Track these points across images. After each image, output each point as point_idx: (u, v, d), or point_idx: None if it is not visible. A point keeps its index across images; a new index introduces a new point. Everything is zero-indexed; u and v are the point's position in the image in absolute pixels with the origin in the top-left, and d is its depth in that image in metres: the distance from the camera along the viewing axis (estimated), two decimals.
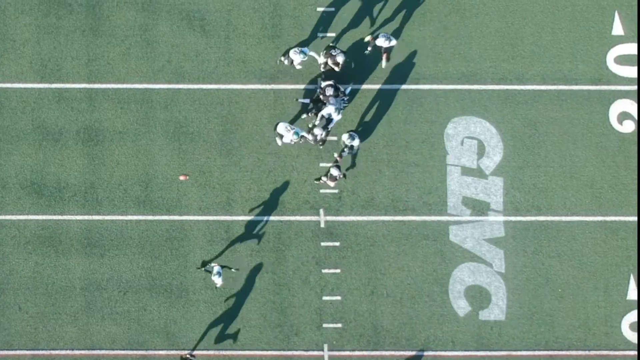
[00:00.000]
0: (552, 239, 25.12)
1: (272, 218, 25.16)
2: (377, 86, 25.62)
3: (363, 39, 25.63)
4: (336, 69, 24.78)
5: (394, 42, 24.86)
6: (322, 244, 25.06)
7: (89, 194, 25.11)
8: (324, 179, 24.87)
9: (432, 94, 25.62)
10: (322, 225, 25.15)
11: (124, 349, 24.74)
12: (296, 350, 24.74)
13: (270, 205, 25.16)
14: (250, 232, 25.05)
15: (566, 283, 25.02)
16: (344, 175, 24.67)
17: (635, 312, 24.87)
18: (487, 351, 24.79)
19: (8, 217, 25.03)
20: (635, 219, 25.15)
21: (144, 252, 24.96)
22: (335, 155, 25.06)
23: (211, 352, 24.74)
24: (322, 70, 25.31)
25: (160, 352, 24.68)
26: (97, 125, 25.34)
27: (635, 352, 24.79)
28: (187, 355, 24.12)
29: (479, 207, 25.19)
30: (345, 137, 24.41)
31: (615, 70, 25.65)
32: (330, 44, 25.02)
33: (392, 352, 24.77)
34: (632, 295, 24.97)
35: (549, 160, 25.39)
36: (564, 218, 25.20)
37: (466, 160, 25.37)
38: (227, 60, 25.66)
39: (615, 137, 25.48)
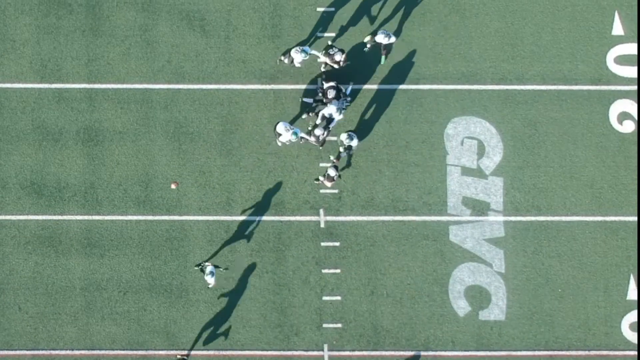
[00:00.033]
0: (552, 239, 25.13)
1: (272, 218, 25.16)
2: (377, 86, 25.63)
3: (363, 39, 25.64)
4: (336, 66, 24.81)
5: (393, 39, 24.87)
6: (322, 244, 25.06)
7: (89, 194, 25.12)
8: (321, 178, 24.88)
9: (432, 94, 25.62)
10: (322, 225, 25.15)
11: (124, 349, 24.74)
12: (296, 350, 24.74)
13: (270, 205, 25.16)
14: (250, 232, 25.06)
15: (566, 283, 25.03)
16: (339, 176, 24.67)
17: (635, 312, 24.88)
18: (487, 351, 24.79)
19: (8, 217, 25.03)
20: (635, 219, 25.15)
21: (144, 252, 24.96)
22: (332, 157, 25.04)
23: (211, 352, 24.74)
24: (323, 70, 25.32)
25: (160, 352, 24.68)
26: (97, 125, 25.35)
27: (635, 352, 24.80)
28: (179, 356, 24.16)
29: (479, 207, 25.19)
30: (344, 137, 24.40)
31: (615, 70, 25.66)
32: (329, 43, 25.04)
33: (392, 352, 24.78)
34: (632, 295, 24.97)
35: (549, 160, 25.40)
36: (564, 218, 25.21)
37: (466, 161, 25.37)
38: (227, 60, 25.67)
39: (615, 137, 25.48)
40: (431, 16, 25.92)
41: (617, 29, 25.80)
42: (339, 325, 24.85)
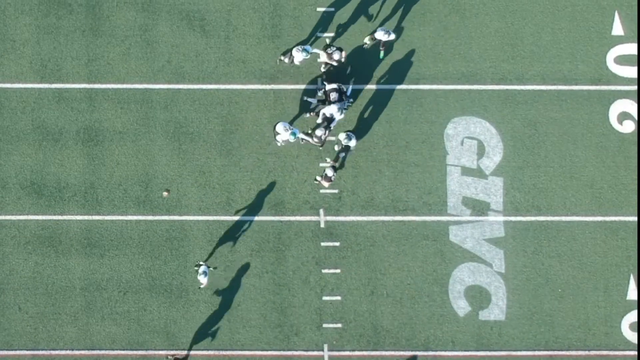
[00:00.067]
0: (552, 239, 25.13)
1: (272, 218, 25.16)
2: (377, 86, 25.63)
3: (363, 40, 25.66)
4: (334, 63, 24.84)
5: (392, 36, 24.89)
6: (322, 244, 25.06)
7: (89, 194, 25.12)
8: (318, 178, 24.89)
9: (432, 94, 25.62)
10: (322, 225, 25.15)
11: (124, 349, 24.73)
12: (296, 350, 24.74)
13: (270, 205, 25.16)
14: (251, 232, 25.05)
15: (566, 283, 25.03)
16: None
17: (635, 312, 24.88)
18: (487, 351, 24.79)
19: (8, 217, 25.03)
20: (635, 219, 25.15)
21: (144, 252, 24.96)
22: (327, 159, 25.04)
23: (211, 352, 24.74)
24: (323, 70, 25.32)
25: (160, 352, 24.68)
26: (97, 125, 25.35)
27: (635, 352, 24.79)
28: (170, 357, 24.19)
29: (479, 207, 25.19)
30: (342, 136, 24.39)
31: (615, 71, 25.66)
32: (327, 42, 25.05)
33: (392, 352, 24.77)
34: (632, 295, 24.97)
35: (549, 160, 25.40)
36: (564, 218, 25.20)
37: (466, 161, 25.37)
38: (227, 60, 25.67)
39: (615, 137, 25.48)
40: (431, 16, 25.92)
41: (617, 29, 25.80)
42: (339, 325, 24.85)
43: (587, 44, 25.81)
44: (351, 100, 25.13)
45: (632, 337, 24.87)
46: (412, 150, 25.41)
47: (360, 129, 25.38)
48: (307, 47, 24.61)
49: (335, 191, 25.26)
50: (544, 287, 25.00)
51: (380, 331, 24.83)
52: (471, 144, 25.45)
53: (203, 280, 23.77)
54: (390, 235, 25.10)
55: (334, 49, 24.61)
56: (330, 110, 24.40)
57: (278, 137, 24.49)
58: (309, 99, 25.26)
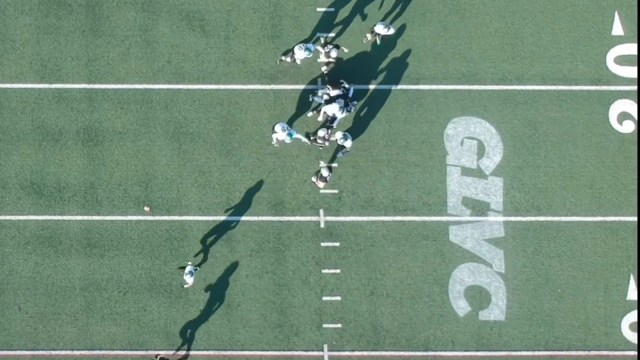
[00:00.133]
0: (552, 239, 25.12)
1: (272, 218, 25.16)
2: (377, 86, 25.63)
3: (363, 41, 25.68)
4: (332, 60, 24.94)
5: (392, 31, 24.91)
6: (322, 244, 25.06)
7: (89, 194, 25.12)
8: (314, 179, 24.90)
9: (432, 94, 25.62)
10: (322, 225, 25.15)
11: (124, 349, 24.74)
12: (296, 350, 24.74)
13: (270, 205, 25.16)
14: (250, 232, 25.05)
15: (566, 283, 25.02)
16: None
17: (635, 312, 24.87)
18: (487, 351, 24.79)
19: (8, 217, 25.03)
20: (635, 219, 25.15)
21: (144, 252, 24.96)
22: (321, 162, 25.04)
23: (211, 352, 24.74)
24: (325, 71, 25.29)
25: (160, 352, 24.67)
26: (97, 126, 25.35)
27: (635, 353, 24.79)
28: (160, 357, 24.23)
29: (479, 208, 25.19)
30: (339, 136, 24.41)
31: (615, 71, 25.65)
32: (322, 41, 25.05)
33: (392, 353, 24.78)
34: (632, 295, 24.97)
35: (548, 161, 25.39)
36: (563, 218, 25.20)
37: (466, 161, 25.37)
38: (227, 61, 25.66)
39: (615, 137, 25.47)
40: (431, 16, 25.92)
41: (617, 29, 25.79)
42: (339, 325, 24.85)
43: (587, 44, 25.81)
44: (355, 102, 25.09)
45: (632, 337, 24.87)
46: (412, 150, 25.41)
47: (360, 129, 25.38)
48: (309, 45, 24.63)
49: (335, 191, 25.26)
50: (544, 287, 25.00)
51: (380, 331, 24.83)
52: (471, 144, 25.45)
53: (189, 280, 23.79)
54: (390, 235, 25.10)
55: (331, 47, 24.67)
56: (332, 109, 24.42)
57: (274, 136, 24.52)
58: (316, 98, 25.10)
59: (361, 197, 25.25)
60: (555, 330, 24.85)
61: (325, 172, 24.32)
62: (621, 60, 25.70)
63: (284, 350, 24.75)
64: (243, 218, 25.12)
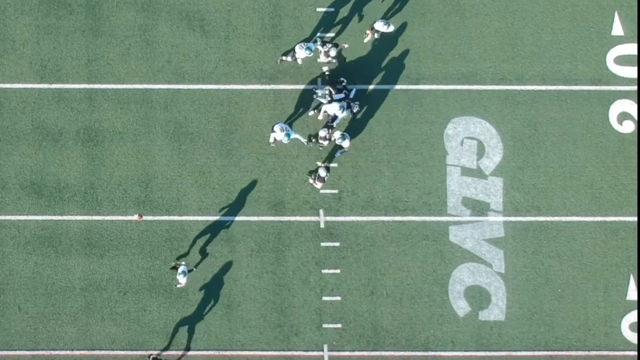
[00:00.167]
0: (552, 239, 25.12)
1: (272, 218, 25.16)
2: (377, 86, 25.63)
3: (363, 40, 25.69)
4: (332, 60, 24.89)
5: (391, 28, 24.93)
6: (322, 244, 25.06)
7: (89, 194, 25.12)
8: (310, 181, 24.89)
9: (432, 94, 25.62)
10: (322, 225, 25.15)
11: (124, 349, 24.74)
12: (296, 350, 24.74)
13: (270, 205, 25.16)
14: (250, 232, 25.05)
15: (566, 283, 25.02)
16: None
17: (635, 313, 24.87)
18: (486, 351, 24.79)
19: (8, 217, 25.04)
20: (635, 219, 25.15)
21: (143, 252, 24.96)
22: (318, 163, 25.04)
23: (211, 352, 24.74)
24: (327, 72, 25.25)
25: (153, 352, 24.65)
26: (97, 126, 25.35)
27: (635, 353, 24.79)
28: (149, 357, 24.23)
29: (479, 208, 25.19)
30: (337, 135, 24.42)
31: (615, 71, 25.65)
32: (317, 41, 25.06)
33: (392, 353, 24.78)
34: (632, 295, 24.97)
35: (548, 161, 25.39)
36: (563, 218, 25.20)
37: (466, 161, 25.37)
38: (227, 61, 25.66)
39: (615, 138, 25.47)
40: (431, 16, 25.91)
41: (617, 29, 25.79)
42: (339, 325, 24.85)
43: (587, 44, 25.80)
44: (357, 102, 25.08)
45: (632, 337, 24.87)
46: (412, 150, 25.41)
47: (360, 129, 25.38)
48: (310, 44, 24.65)
49: (335, 191, 25.26)
50: (544, 287, 25.00)
51: (380, 331, 24.83)
52: (471, 144, 25.45)
53: (182, 280, 23.80)
54: (390, 236, 25.10)
55: (330, 46, 24.70)
56: (332, 108, 24.44)
57: (272, 135, 24.53)
58: (320, 98, 25.04)
59: (361, 197, 25.25)
60: (555, 330, 24.85)
61: (322, 173, 24.31)
62: (621, 60, 25.70)
63: (284, 350, 24.75)
64: (243, 218, 25.12)
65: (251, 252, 25.01)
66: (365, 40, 25.59)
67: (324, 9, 25.89)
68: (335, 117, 24.60)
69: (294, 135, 24.35)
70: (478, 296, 24.98)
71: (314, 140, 24.88)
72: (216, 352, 24.74)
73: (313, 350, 24.74)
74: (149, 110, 25.41)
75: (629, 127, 25.51)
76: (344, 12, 25.89)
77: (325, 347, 24.77)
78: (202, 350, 24.74)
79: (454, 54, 25.74)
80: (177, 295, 24.81)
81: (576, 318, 24.92)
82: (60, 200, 25.06)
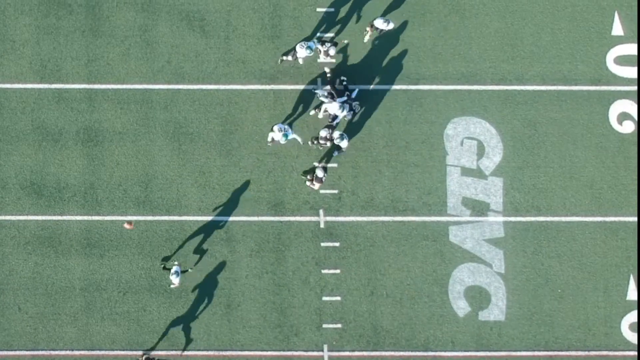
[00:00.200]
0: (552, 240, 25.12)
1: (272, 218, 25.16)
2: (377, 86, 25.62)
3: (363, 39, 25.69)
4: (331, 59, 24.91)
5: (391, 25, 24.94)
6: (322, 244, 25.07)
7: (89, 194, 25.12)
8: (308, 183, 24.88)
9: (432, 94, 25.61)
10: (322, 225, 25.15)
11: (124, 349, 24.74)
12: (296, 350, 24.74)
13: (270, 206, 25.16)
14: (250, 232, 25.05)
15: (566, 283, 25.02)
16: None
17: (635, 313, 24.87)
18: (486, 351, 24.79)
19: (8, 217, 25.04)
20: (635, 219, 25.14)
21: (143, 252, 24.96)
22: (316, 164, 25.04)
23: (211, 353, 24.75)
24: (328, 74, 25.20)
25: (160, 353, 24.69)
26: (96, 126, 25.35)
27: (635, 353, 24.79)
28: (142, 356, 24.24)
29: (479, 208, 25.19)
30: (336, 135, 24.42)
31: (614, 71, 25.64)
32: (314, 40, 25.07)
33: (392, 353, 24.78)
34: (631, 295, 24.96)
35: (548, 161, 25.39)
36: (563, 218, 25.20)
37: (466, 161, 25.37)
38: (226, 61, 25.66)
39: (615, 138, 25.47)
40: (431, 16, 25.91)
41: (617, 29, 25.78)
42: (339, 325, 24.85)
43: (587, 44, 25.80)
44: (357, 102, 25.08)
45: (632, 337, 24.87)
46: (412, 151, 25.41)
47: (360, 129, 25.38)
48: (311, 43, 24.67)
49: (335, 191, 25.26)
50: (544, 287, 25.00)
51: (380, 331, 24.83)
52: (471, 145, 25.44)
53: (175, 280, 23.80)
54: (390, 236, 25.10)
55: (329, 45, 24.72)
56: (333, 108, 24.45)
57: (270, 135, 24.53)
58: (322, 97, 25.02)
59: (361, 197, 25.25)
60: (555, 331, 24.85)
61: (320, 173, 24.30)
62: (621, 60, 25.69)
63: (284, 350, 24.76)
64: (243, 218, 25.12)
65: (251, 252, 25.01)
66: (365, 38, 25.59)
67: (324, 9, 25.88)
68: (335, 117, 24.61)
69: (291, 136, 24.37)
70: (478, 296, 24.98)
71: (315, 142, 24.88)
72: (216, 352, 24.75)
73: (313, 351, 24.74)
74: (149, 111, 25.41)
75: (628, 127, 25.51)
76: (343, 12, 25.89)
77: (325, 347, 24.77)
78: (202, 350, 24.74)
79: (454, 54, 25.73)
80: (177, 296, 24.82)
81: (576, 318, 24.92)
82: (60, 200, 25.06)
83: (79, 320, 24.77)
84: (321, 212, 25.18)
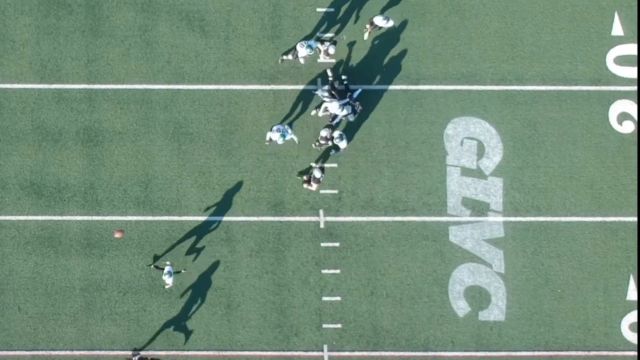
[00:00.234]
0: (552, 240, 25.12)
1: (272, 218, 25.16)
2: (377, 86, 25.62)
3: (364, 38, 25.69)
4: (331, 58, 24.94)
5: (391, 23, 24.93)
6: (322, 244, 25.07)
7: (89, 194, 25.12)
8: (305, 185, 24.86)
9: (432, 94, 25.61)
10: (322, 225, 25.15)
11: (124, 349, 24.74)
12: (296, 350, 24.74)
13: (270, 206, 25.15)
14: (250, 232, 25.06)
15: (566, 283, 25.02)
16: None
17: (635, 313, 24.87)
18: (486, 352, 24.80)
19: (8, 217, 25.04)
20: (635, 219, 25.14)
21: (143, 252, 24.96)
22: (313, 164, 25.04)
23: (211, 353, 24.75)
24: (330, 75, 25.16)
25: (160, 353, 24.69)
26: (96, 126, 25.35)
27: (635, 353, 24.79)
28: (134, 356, 24.25)
29: (479, 208, 25.19)
30: (335, 135, 24.42)
31: (614, 71, 25.64)
32: (321, 39, 25.07)
33: (392, 353, 24.78)
34: (631, 295, 24.96)
35: (548, 161, 25.39)
36: (563, 218, 25.20)
37: (466, 161, 25.37)
38: (226, 61, 25.66)
39: (615, 138, 25.47)
40: (431, 16, 25.91)
41: (617, 29, 25.78)
42: (339, 325, 24.85)
43: (587, 44, 25.80)
44: (357, 102, 25.07)
45: (631, 337, 24.87)
46: (412, 151, 25.41)
47: (360, 129, 25.38)
48: (311, 42, 24.66)
49: (335, 191, 25.26)
50: (544, 287, 24.99)
51: (380, 331, 24.83)
52: (471, 145, 25.45)
53: (168, 280, 23.79)
54: (390, 236, 25.10)
55: (329, 44, 24.73)
56: (333, 109, 24.45)
57: (268, 134, 24.54)
58: (322, 97, 25.00)
59: (361, 197, 25.25)
60: (555, 331, 24.85)
61: (317, 174, 24.28)
62: (621, 60, 25.69)
63: (283, 350, 24.76)
64: (243, 218, 25.13)
65: (251, 252, 25.01)
66: (365, 36, 25.58)
67: (324, 9, 25.89)
68: (335, 116, 24.62)
69: (289, 136, 24.37)
70: (478, 296, 24.98)
71: (316, 143, 24.87)
72: (216, 352, 24.75)
73: (313, 351, 24.74)
74: (148, 111, 25.41)
75: (628, 127, 25.51)
76: (343, 12, 25.89)
77: (325, 347, 24.77)
78: (202, 350, 24.74)
79: (454, 54, 25.74)
80: (177, 296, 24.82)
81: (576, 318, 24.92)
82: (60, 201, 25.06)
83: (79, 320, 24.77)
84: (321, 212, 25.18)
